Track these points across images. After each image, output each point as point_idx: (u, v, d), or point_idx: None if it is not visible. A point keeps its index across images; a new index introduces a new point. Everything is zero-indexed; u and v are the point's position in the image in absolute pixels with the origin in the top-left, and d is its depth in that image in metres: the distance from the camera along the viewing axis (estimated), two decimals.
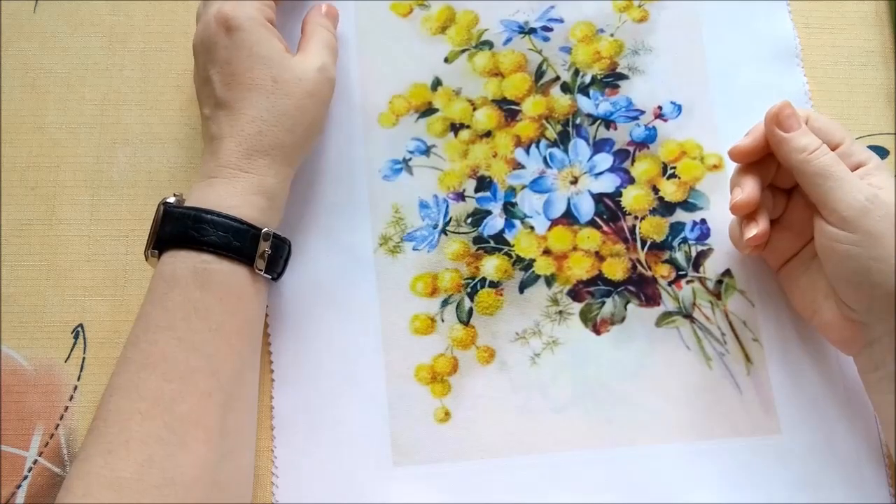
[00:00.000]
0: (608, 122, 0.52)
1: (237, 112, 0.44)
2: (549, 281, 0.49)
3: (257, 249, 0.43)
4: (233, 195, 0.43)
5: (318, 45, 0.48)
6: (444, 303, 0.49)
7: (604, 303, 0.49)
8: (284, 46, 0.46)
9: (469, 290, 0.49)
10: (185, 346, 0.41)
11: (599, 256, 0.50)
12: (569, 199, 0.50)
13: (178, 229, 0.42)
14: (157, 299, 0.42)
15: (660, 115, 0.52)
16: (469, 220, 0.50)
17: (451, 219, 0.50)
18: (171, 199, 0.44)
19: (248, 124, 0.44)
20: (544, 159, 0.51)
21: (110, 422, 0.39)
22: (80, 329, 0.48)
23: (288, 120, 0.45)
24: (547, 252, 0.50)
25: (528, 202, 0.50)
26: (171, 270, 0.42)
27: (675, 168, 0.51)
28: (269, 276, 0.44)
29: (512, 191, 0.50)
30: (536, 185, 0.51)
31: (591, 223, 0.50)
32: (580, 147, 0.51)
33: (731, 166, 0.50)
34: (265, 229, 0.43)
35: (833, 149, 0.43)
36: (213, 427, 0.40)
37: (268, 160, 0.44)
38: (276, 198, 0.45)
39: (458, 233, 0.50)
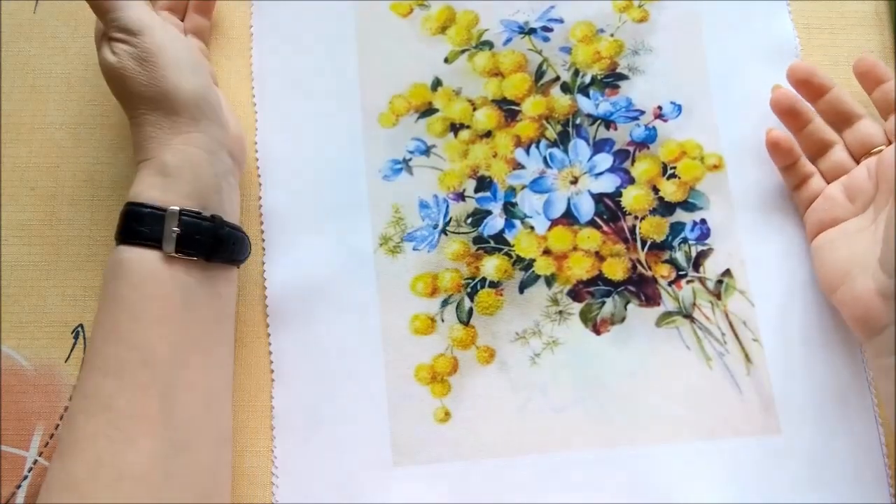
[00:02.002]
0: (608, 122, 0.52)
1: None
2: (549, 281, 0.49)
3: (163, 230, 0.42)
4: (136, 183, 0.43)
5: None
6: (444, 303, 0.49)
7: (604, 303, 0.49)
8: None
9: (469, 290, 0.49)
10: (111, 339, 0.41)
11: (599, 256, 0.50)
12: (569, 199, 0.50)
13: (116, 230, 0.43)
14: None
15: (660, 115, 0.52)
16: (469, 220, 0.50)
17: (451, 219, 0.50)
18: None
19: (129, 113, 0.44)
20: (544, 159, 0.51)
21: (64, 424, 0.40)
22: (80, 329, 0.48)
23: (120, 85, 0.44)
24: (547, 252, 0.50)
25: (528, 202, 0.50)
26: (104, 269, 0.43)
27: (675, 168, 0.51)
28: (192, 258, 0.43)
29: (512, 191, 0.50)
30: (536, 185, 0.51)
31: (591, 223, 0.50)
32: (580, 147, 0.51)
33: (732, 166, 0.51)
34: (171, 208, 0.42)
35: (847, 126, 0.45)
36: (155, 419, 0.40)
37: (143, 134, 0.44)
38: (174, 173, 0.43)
39: (458, 233, 0.50)
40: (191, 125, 0.44)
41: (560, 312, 0.49)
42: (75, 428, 0.39)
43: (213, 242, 0.43)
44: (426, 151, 0.51)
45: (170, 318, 0.42)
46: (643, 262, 0.50)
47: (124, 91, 0.44)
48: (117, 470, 0.38)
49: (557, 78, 0.52)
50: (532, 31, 0.53)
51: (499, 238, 0.50)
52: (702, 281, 0.49)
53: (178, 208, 0.42)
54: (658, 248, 0.50)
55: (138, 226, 0.42)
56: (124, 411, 0.39)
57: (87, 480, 0.38)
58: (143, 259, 0.42)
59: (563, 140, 0.51)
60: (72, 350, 0.48)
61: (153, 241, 0.42)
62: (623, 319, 0.49)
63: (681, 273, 0.49)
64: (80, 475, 0.38)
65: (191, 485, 0.41)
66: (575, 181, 0.51)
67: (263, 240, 0.49)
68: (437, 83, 0.52)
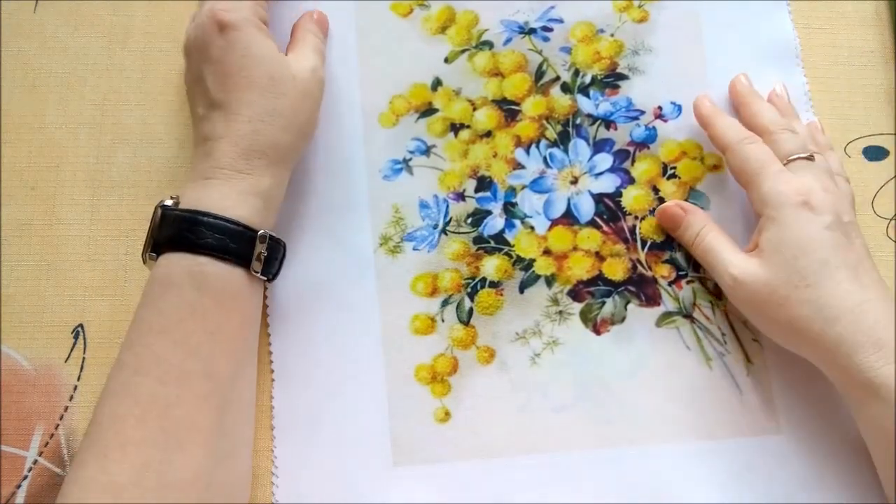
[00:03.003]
0: (608, 122, 0.52)
1: (232, 112, 0.44)
2: (550, 281, 0.49)
3: (253, 251, 0.43)
4: (228, 196, 0.43)
5: (309, 49, 0.48)
6: (445, 303, 0.49)
7: (604, 303, 0.49)
8: (277, 47, 0.46)
9: (469, 290, 0.49)
10: (180, 350, 0.40)
11: (599, 256, 0.50)
12: (569, 200, 0.50)
13: (174, 232, 0.42)
14: (152, 302, 0.41)
15: (660, 116, 0.52)
16: (469, 220, 0.50)
17: (451, 219, 0.50)
18: (168, 202, 0.44)
19: (245, 124, 0.44)
20: (544, 159, 0.51)
21: (105, 427, 0.39)
22: (80, 329, 0.48)
23: (283, 119, 0.44)
24: (547, 252, 0.50)
25: (529, 202, 0.50)
26: (166, 273, 0.42)
27: (675, 168, 0.51)
28: (265, 278, 0.44)
29: (512, 191, 0.50)
30: (536, 185, 0.51)
31: (592, 223, 0.50)
32: (580, 147, 0.51)
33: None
34: (261, 231, 0.43)
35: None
36: (210, 429, 0.40)
37: (264, 160, 0.44)
38: (271, 199, 0.45)
39: (459, 233, 0.50)
40: (297, 159, 0.47)
41: (560, 312, 0.49)
42: (122, 432, 0.39)
43: (279, 266, 0.45)
44: (426, 151, 0.51)
45: (240, 334, 0.43)
46: (643, 263, 0.50)
47: (314, 109, 0.47)
48: (163, 477, 0.38)
49: (557, 78, 0.52)
50: (532, 31, 0.53)
51: (499, 238, 0.50)
52: (702, 281, 0.49)
53: (268, 232, 0.43)
54: (658, 248, 0.50)
55: (231, 243, 0.42)
56: (182, 421, 0.39)
57: (131, 485, 0.38)
58: (230, 275, 0.42)
59: (563, 140, 0.51)
60: (71, 350, 0.48)
61: (241, 260, 0.42)
62: (623, 319, 0.49)
63: (681, 273, 0.49)
64: (125, 479, 0.38)
65: (227, 492, 0.41)
66: (575, 181, 0.51)
67: None
68: (437, 83, 0.52)
